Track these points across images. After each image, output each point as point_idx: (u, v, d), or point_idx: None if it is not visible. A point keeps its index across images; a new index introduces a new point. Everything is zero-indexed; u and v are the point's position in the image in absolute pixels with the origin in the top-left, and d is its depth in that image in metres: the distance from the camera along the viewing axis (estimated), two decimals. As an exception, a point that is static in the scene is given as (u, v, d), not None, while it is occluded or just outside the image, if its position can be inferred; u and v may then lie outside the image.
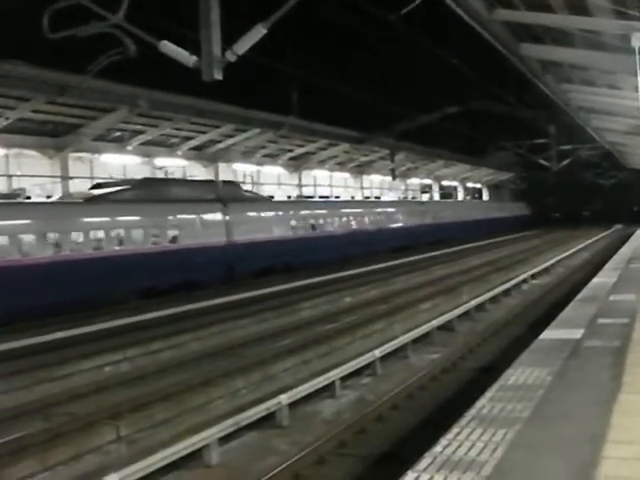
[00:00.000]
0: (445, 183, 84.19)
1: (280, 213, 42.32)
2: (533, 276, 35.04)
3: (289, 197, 51.11)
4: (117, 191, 31.54)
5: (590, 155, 69.93)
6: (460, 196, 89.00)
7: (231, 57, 12.57)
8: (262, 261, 37.24)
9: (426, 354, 19.43)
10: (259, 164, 49.59)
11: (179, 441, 11.28)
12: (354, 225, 50.57)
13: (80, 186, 34.99)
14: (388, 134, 54.63)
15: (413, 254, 49.81)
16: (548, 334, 12.46)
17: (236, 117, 39.49)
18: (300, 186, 54.50)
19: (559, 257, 43.59)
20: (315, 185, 58.24)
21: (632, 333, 11.93)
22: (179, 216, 33.17)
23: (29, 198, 30.64)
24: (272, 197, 46.85)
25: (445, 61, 28.64)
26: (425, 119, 53.75)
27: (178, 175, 42.72)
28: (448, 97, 53.42)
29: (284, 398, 13.45)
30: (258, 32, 12.54)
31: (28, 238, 26.01)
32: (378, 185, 69.89)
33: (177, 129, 38.82)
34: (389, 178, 64.20)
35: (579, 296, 17.60)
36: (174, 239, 32.37)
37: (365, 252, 47.79)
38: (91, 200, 29.98)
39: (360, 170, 64.33)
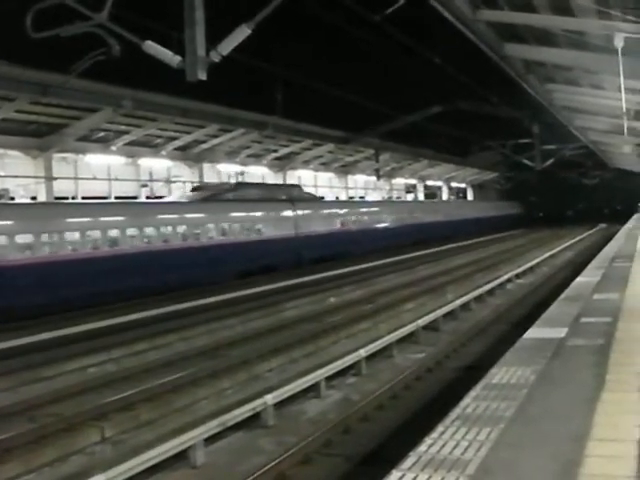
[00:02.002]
0: (430, 183, 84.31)
1: (332, 211, 50.97)
2: (517, 275, 35.17)
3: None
4: (219, 192, 39.37)
5: (574, 155, 70.22)
6: (445, 196, 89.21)
7: (215, 57, 12.55)
8: (320, 250, 44.60)
9: (411, 353, 19.47)
10: (243, 164, 49.51)
11: (165, 442, 11.27)
12: (387, 221, 58.01)
13: (63, 187, 34.96)
14: (373, 134, 54.71)
15: (403, 253, 49.96)
16: (532, 333, 12.48)
17: (220, 117, 39.44)
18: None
19: (543, 256, 43.76)
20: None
21: (615, 332, 11.96)
22: (263, 213, 41.02)
23: (13, 199, 30.67)
24: (322, 197, 56.12)
25: (429, 61, 28.70)
26: (410, 119, 53.86)
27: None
28: (432, 97, 53.62)
29: (269, 398, 13.46)
30: (242, 32, 12.54)
31: (168, 230, 33.28)
32: (363, 185, 69.97)
33: (161, 129, 38.76)
34: (374, 178, 64.33)
35: (563, 295, 17.63)
36: (259, 231, 39.80)
37: (394, 244, 54.44)
38: (205, 200, 37.68)
39: (345, 170, 64.38)
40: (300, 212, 44.33)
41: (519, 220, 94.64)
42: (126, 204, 36.61)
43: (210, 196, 38.41)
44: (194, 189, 41.07)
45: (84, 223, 29.04)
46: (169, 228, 33.30)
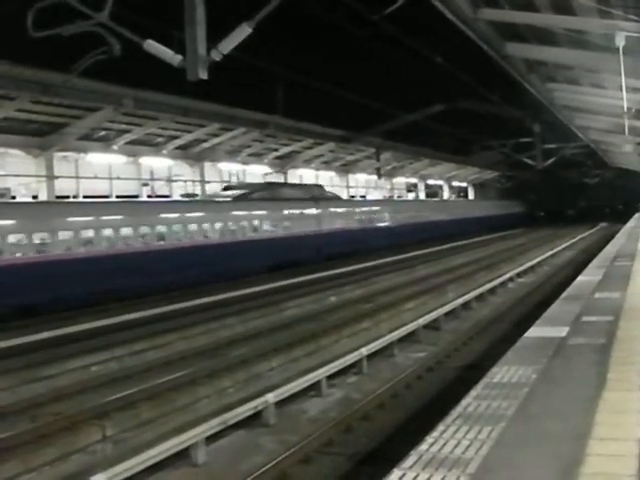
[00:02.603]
0: (431, 182, 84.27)
1: (350, 209, 54.28)
2: (519, 274, 35.15)
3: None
4: (251, 192, 42.06)
5: (575, 154, 70.15)
6: (446, 195, 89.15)
7: (216, 56, 12.54)
8: (338, 246, 47.12)
9: (412, 352, 19.47)
10: (244, 163, 49.48)
11: (165, 440, 11.27)
12: (399, 219, 60.21)
13: (64, 185, 34.96)
14: (374, 133, 54.65)
15: (404, 252, 49.95)
16: (533, 332, 12.48)
17: (221, 116, 39.39)
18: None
19: (544, 255, 43.75)
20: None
21: (617, 331, 11.97)
22: (290, 211, 43.83)
23: (14, 198, 30.74)
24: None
25: (430, 60, 28.62)
26: (411, 118, 53.78)
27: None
28: (434, 96, 53.53)
29: (271, 397, 13.46)
30: (243, 31, 12.51)
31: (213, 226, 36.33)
32: (364, 184, 69.93)
33: (162, 128, 38.72)
34: (375, 177, 64.28)
35: (564, 294, 17.62)
36: (287, 228, 42.72)
37: (406, 241, 57.35)
38: (238, 199, 40.41)
39: (346, 169, 64.32)
40: (322, 210, 47.56)
41: (522, 218, 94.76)
42: (172, 202, 39.79)
43: (242, 195, 41.19)
44: (226, 188, 44.21)
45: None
46: (209, 225, 36.11)
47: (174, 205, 37.41)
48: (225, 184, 45.76)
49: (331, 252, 45.89)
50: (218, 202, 39.96)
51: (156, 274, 30.56)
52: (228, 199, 40.29)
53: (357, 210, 55.19)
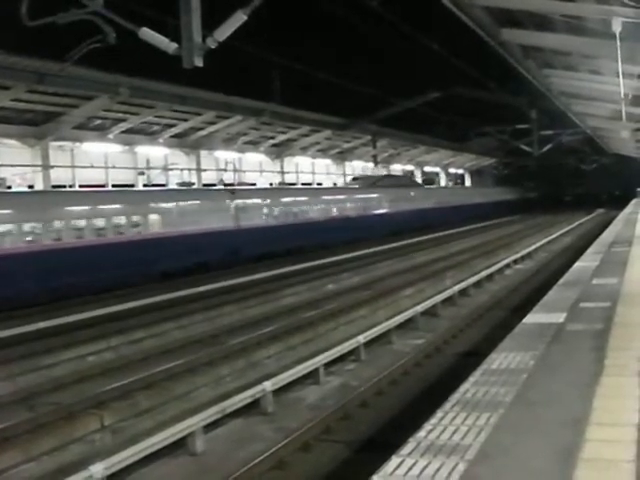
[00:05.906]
0: (427, 169, 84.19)
1: (428, 192, 69.53)
2: (516, 261, 35.16)
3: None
4: (376, 181, 59.26)
5: (572, 140, 70.10)
6: (442, 182, 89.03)
7: (212, 44, 12.50)
8: (424, 221, 60.96)
9: (410, 339, 19.48)
10: (241, 151, 49.35)
11: (164, 429, 11.28)
12: (459, 201, 74.75)
13: (60, 175, 34.88)
14: (370, 120, 54.58)
15: (397, 240, 49.99)
16: (531, 318, 12.47)
17: (217, 104, 39.26)
18: (282, 173, 54.35)
19: (542, 242, 43.75)
20: (297, 172, 58.15)
21: (614, 316, 11.96)
22: (402, 194, 60.04)
23: (10, 188, 30.70)
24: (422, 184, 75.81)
25: (427, 47, 28.57)
26: (407, 105, 53.73)
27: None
28: (430, 83, 53.52)
29: (268, 385, 13.47)
30: (238, 18, 12.47)
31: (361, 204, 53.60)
32: (360, 171, 69.87)
33: (158, 117, 38.57)
34: (371, 164, 64.31)
35: (561, 280, 17.59)
36: (399, 206, 57.78)
37: (462, 219, 68.53)
38: (371, 185, 58.27)
39: (342, 157, 64.22)
40: (416, 193, 64.12)
41: (520, 205, 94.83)
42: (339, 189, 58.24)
43: (371, 184, 58.17)
44: (354, 179, 61.87)
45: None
46: (360, 204, 53.00)
47: (340, 190, 55.91)
48: (353, 176, 63.50)
49: (421, 224, 59.12)
50: (360, 189, 57.15)
51: (332, 235, 45.11)
52: (357, 187, 58.18)
53: (433, 193, 70.69)
